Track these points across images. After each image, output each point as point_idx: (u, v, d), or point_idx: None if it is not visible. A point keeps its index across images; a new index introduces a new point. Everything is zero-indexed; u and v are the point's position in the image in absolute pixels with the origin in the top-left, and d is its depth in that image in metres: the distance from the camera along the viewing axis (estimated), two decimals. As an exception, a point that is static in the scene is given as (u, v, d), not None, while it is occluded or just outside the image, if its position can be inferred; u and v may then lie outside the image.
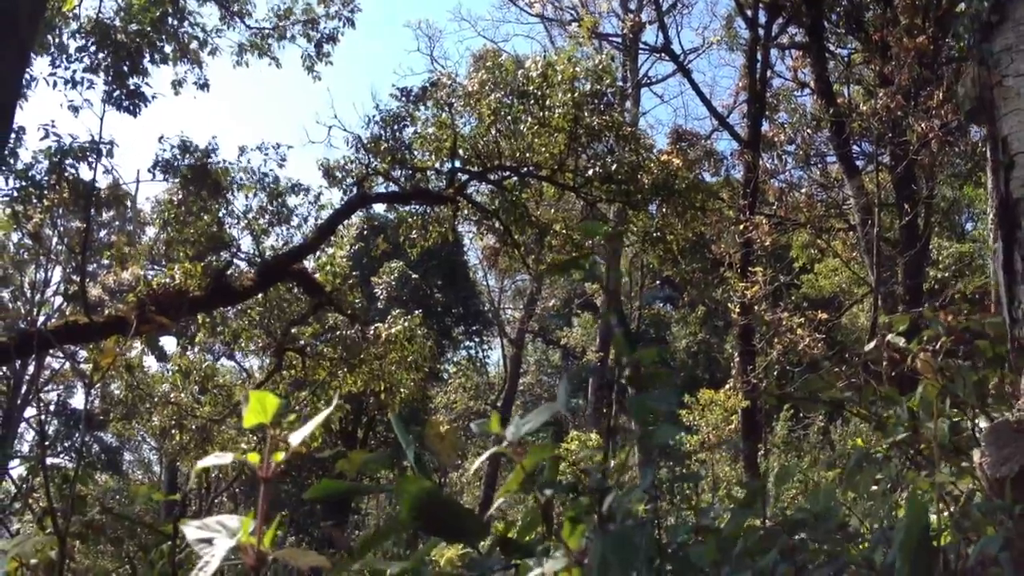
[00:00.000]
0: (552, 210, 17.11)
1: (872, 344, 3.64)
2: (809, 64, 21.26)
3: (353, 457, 2.78)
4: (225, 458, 1.88)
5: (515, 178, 16.08)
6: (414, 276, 25.97)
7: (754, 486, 2.32)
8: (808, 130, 23.19)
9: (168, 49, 14.12)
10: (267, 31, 15.48)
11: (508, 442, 1.88)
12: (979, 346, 3.33)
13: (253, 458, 1.80)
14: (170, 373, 16.70)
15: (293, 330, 15.42)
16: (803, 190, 23.79)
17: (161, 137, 14.01)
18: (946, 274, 22.12)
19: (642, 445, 2.30)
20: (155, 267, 17.08)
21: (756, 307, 17.63)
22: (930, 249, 21.44)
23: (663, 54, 26.97)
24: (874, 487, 3.31)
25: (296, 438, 1.82)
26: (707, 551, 2.18)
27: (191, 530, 1.77)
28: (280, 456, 1.82)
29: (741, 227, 19.05)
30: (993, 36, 3.40)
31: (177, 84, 14.88)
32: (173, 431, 16.09)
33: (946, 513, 3.24)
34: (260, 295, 14.67)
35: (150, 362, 17.34)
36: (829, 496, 2.90)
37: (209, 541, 1.73)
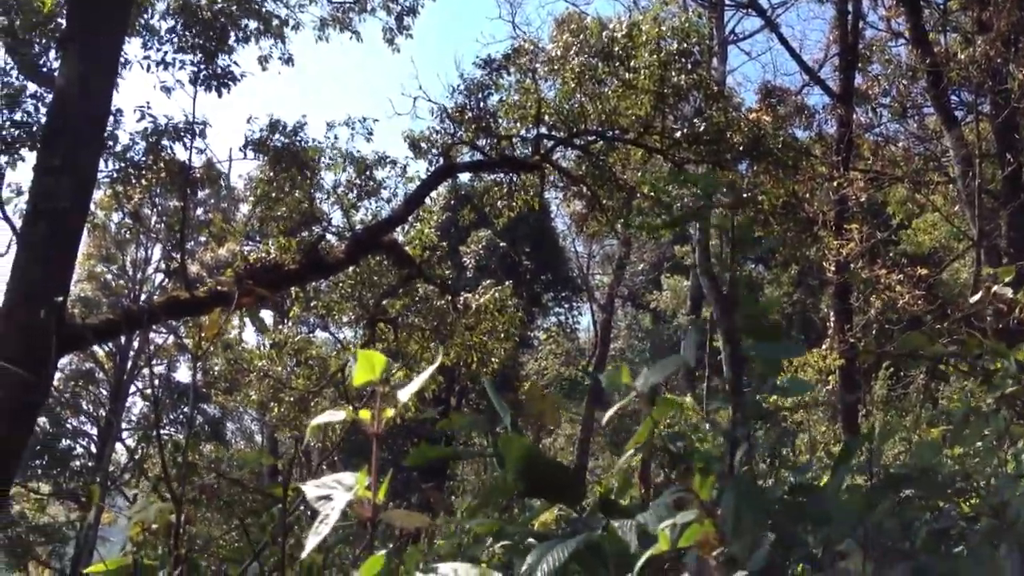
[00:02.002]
0: (639, 173, 16.92)
1: (977, 296, 3.53)
2: (903, 13, 20.50)
3: (454, 418, 2.83)
4: (338, 415, 1.94)
5: (601, 142, 15.96)
6: (502, 244, 26.08)
7: (852, 443, 2.29)
8: (903, 81, 22.41)
9: (252, 26, 14.38)
10: (348, 4, 15.63)
11: (637, 393, 1.88)
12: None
13: (365, 414, 1.86)
14: (266, 348, 17.14)
15: (384, 302, 15.64)
16: (899, 143, 23.09)
17: (250, 118, 14.31)
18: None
19: (737, 405, 2.28)
20: (250, 243, 17.53)
21: (852, 265, 17.23)
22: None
23: (750, 9, 26.40)
24: (979, 443, 3.23)
25: (405, 394, 1.86)
26: (852, 501, 2.14)
27: (311, 488, 1.84)
28: (390, 412, 1.86)
29: (835, 184, 18.60)
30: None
31: (263, 60, 15.14)
32: (271, 404, 16.53)
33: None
34: (351, 268, 14.91)
35: (247, 336, 17.85)
36: (934, 451, 2.83)
37: (328, 498, 1.80)
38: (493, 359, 16.06)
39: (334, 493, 1.79)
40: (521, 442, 2.17)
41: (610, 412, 2.00)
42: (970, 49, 17.21)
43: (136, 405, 35.01)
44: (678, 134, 15.39)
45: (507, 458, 2.12)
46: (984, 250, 15.34)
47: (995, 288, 3.37)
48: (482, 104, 15.32)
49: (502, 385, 24.03)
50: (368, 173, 15.26)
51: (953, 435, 3.03)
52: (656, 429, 2.08)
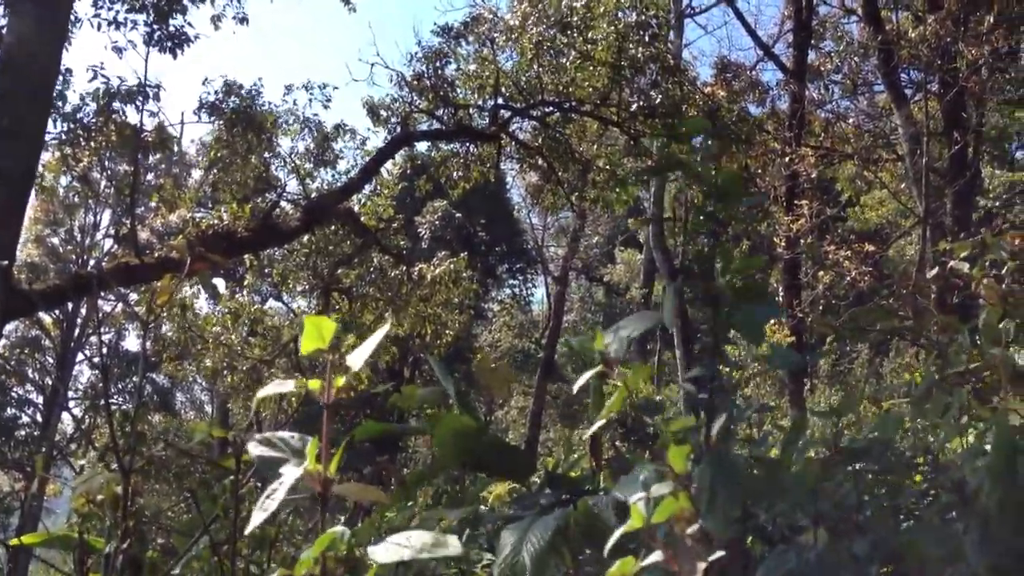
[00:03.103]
0: (595, 146, 16.94)
1: (934, 271, 3.60)
2: (857, -10, 20.71)
3: (407, 392, 2.80)
4: (287, 385, 1.89)
5: (558, 114, 15.94)
6: (457, 215, 26.01)
7: (803, 417, 2.33)
8: (855, 58, 22.63)
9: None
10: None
11: (610, 359, 1.87)
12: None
13: (314, 384, 1.81)
14: (220, 315, 16.95)
15: (339, 271, 15.54)
16: (850, 120, 23.33)
17: (206, 80, 14.05)
18: (995, 203, 21.68)
19: (689, 377, 2.31)
20: (202, 209, 17.27)
21: (802, 240, 17.45)
22: (980, 178, 21.00)
23: (707, -18, 26.41)
24: (940, 418, 3.30)
25: (355, 360, 1.80)
26: (807, 474, 2.17)
27: (256, 447, 1.78)
28: (341, 381, 1.81)
29: (787, 159, 18.77)
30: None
31: (216, 19, 14.83)
32: (224, 372, 16.37)
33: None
34: (306, 236, 14.78)
35: (200, 304, 17.63)
36: (895, 425, 2.89)
37: (275, 463, 1.74)
38: (447, 331, 16.07)
39: (284, 464, 1.73)
40: (458, 419, 2.16)
41: (583, 379, 1.99)
42: (921, 28, 17.39)
43: (83, 374, 34.49)
44: (634, 107, 15.42)
45: (438, 434, 2.10)
46: (930, 227, 15.61)
47: (952, 263, 3.45)
48: (440, 73, 15.22)
49: (456, 357, 24.06)
50: (326, 143, 15.10)
51: (914, 408, 3.10)
52: (628, 400, 2.09)
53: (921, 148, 15.93)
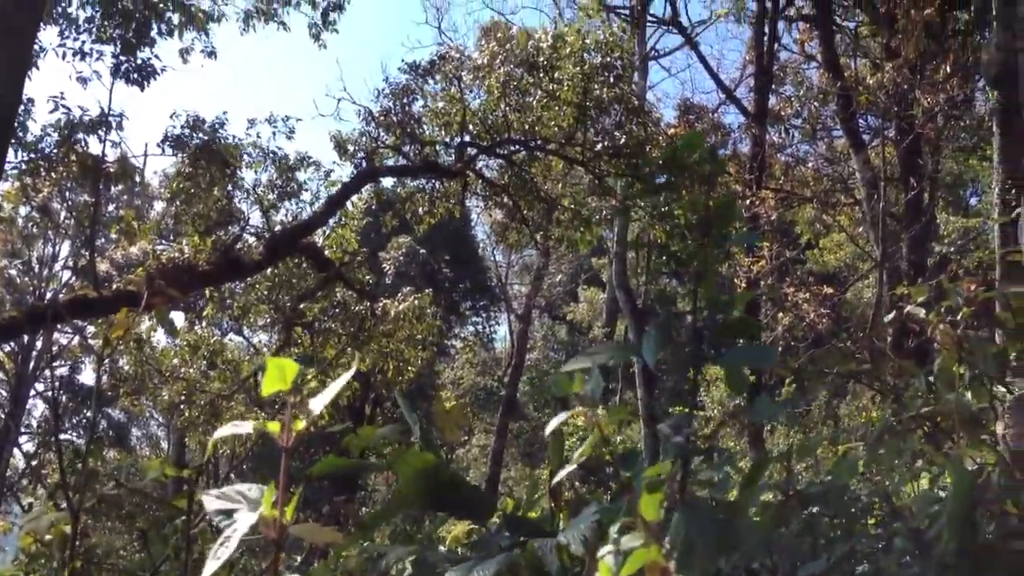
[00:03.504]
0: (560, 185, 17.05)
1: (891, 315, 3.66)
2: (816, 37, 21.11)
3: (362, 432, 2.77)
4: (245, 427, 1.85)
5: (524, 152, 16.04)
6: (422, 251, 25.98)
7: (763, 460, 2.33)
8: (815, 103, 23.07)
9: (175, 19, 14.06)
10: (273, -3, 15.39)
11: (585, 401, 1.85)
12: (1000, 317, 3.34)
13: (273, 427, 1.77)
14: (179, 348, 16.73)
15: (301, 305, 15.43)
16: (809, 164, 23.72)
17: (173, 113, 13.99)
18: (950, 249, 22.06)
19: (649, 420, 2.31)
20: (163, 242, 17.09)
21: (762, 282, 17.63)
22: (935, 224, 21.38)
23: (671, 26, 26.81)
24: (895, 462, 3.33)
25: (317, 404, 1.78)
26: (764, 520, 2.16)
27: (211, 500, 1.74)
28: (301, 424, 1.78)
29: (747, 201, 19.01)
30: (1018, 1, 3.40)
31: (184, 52, 14.81)
32: (182, 406, 16.13)
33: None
34: (269, 270, 14.67)
35: (159, 337, 17.39)
36: (851, 470, 2.91)
37: (229, 512, 1.71)
38: (410, 367, 15.98)
39: (238, 512, 1.70)
40: (420, 457, 2.14)
41: (556, 420, 1.97)
42: (878, 75, 17.75)
43: (37, 408, 33.81)
44: (599, 147, 15.56)
45: (400, 473, 2.08)
46: (886, 271, 15.85)
47: (909, 308, 3.50)
48: (407, 109, 15.27)
49: (418, 394, 23.93)
50: (290, 174, 15.05)
51: (869, 452, 3.12)
52: (602, 441, 2.08)
53: (878, 193, 16.20)
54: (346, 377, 1.96)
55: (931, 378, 3.43)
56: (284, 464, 1.78)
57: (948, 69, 15.86)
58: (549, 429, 2.00)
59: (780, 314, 17.85)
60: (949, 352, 3.35)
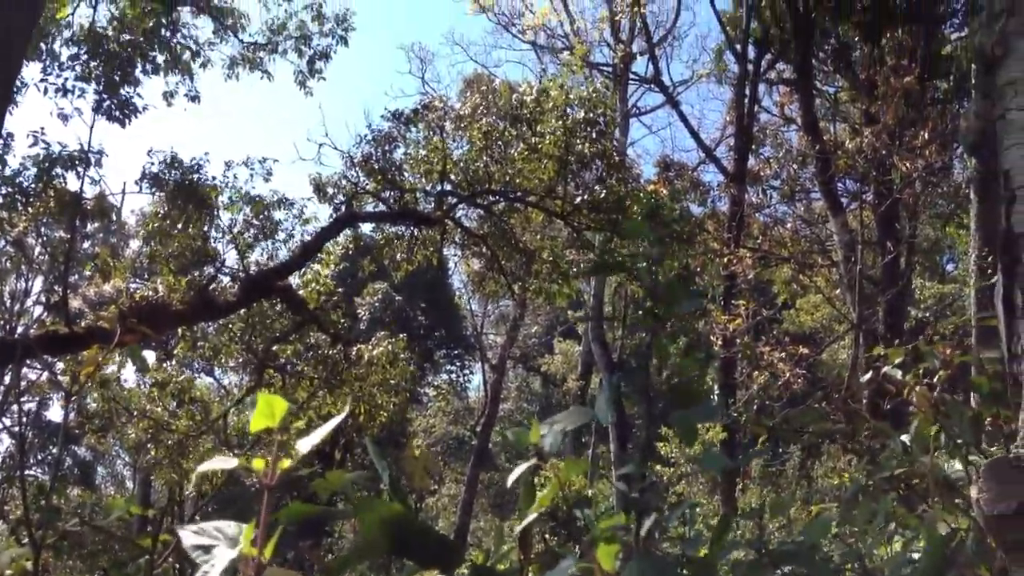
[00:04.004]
0: (539, 236, 17.10)
1: (868, 376, 3.64)
2: (796, 100, 21.45)
3: (331, 477, 2.72)
4: (230, 462, 1.83)
5: (504, 203, 16.09)
6: (398, 298, 25.91)
7: (730, 516, 2.29)
8: (794, 166, 23.37)
9: (160, 60, 14.11)
10: (259, 45, 15.50)
11: (544, 453, 1.82)
12: (975, 382, 3.33)
13: (258, 464, 1.75)
14: (147, 386, 16.51)
15: (274, 347, 15.29)
16: (787, 225, 23.95)
17: (150, 151, 13.93)
18: (926, 314, 22.26)
19: (621, 475, 2.27)
20: (138, 280, 16.96)
21: (738, 340, 17.67)
22: (911, 288, 21.57)
23: (652, 85, 27.22)
24: (868, 523, 3.29)
25: (305, 445, 1.76)
26: None
27: (188, 535, 1.71)
28: (287, 463, 1.76)
29: (725, 260, 19.12)
30: (997, 70, 3.44)
31: (168, 95, 14.85)
32: (148, 445, 15.88)
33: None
34: (242, 311, 14.55)
35: (127, 375, 17.18)
36: (823, 529, 2.88)
37: (207, 548, 1.67)
38: (382, 412, 15.83)
39: (216, 548, 1.67)
40: (385, 505, 2.09)
41: (516, 472, 1.94)
42: (857, 139, 17.98)
43: (2, 443, 33.22)
44: (579, 200, 15.64)
45: (366, 520, 2.03)
46: (862, 334, 15.93)
47: (886, 369, 3.49)
48: (388, 156, 15.31)
49: (389, 441, 23.70)
50: (266, 214, 14.99)
51: (843, 513, 3.09)
52: (560, 493, 2.04)
53: (855, 256, 16.33)
54: (336, 421, 1.95)
55: (907, 440, 3.41)
56: (266, 501, 1.75)
57: (926, 136, 16.10)
58: (511, 480, 1.96)
59: (756, 372, 17.86)
60: (925, 415, 3.34)
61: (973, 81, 3.54)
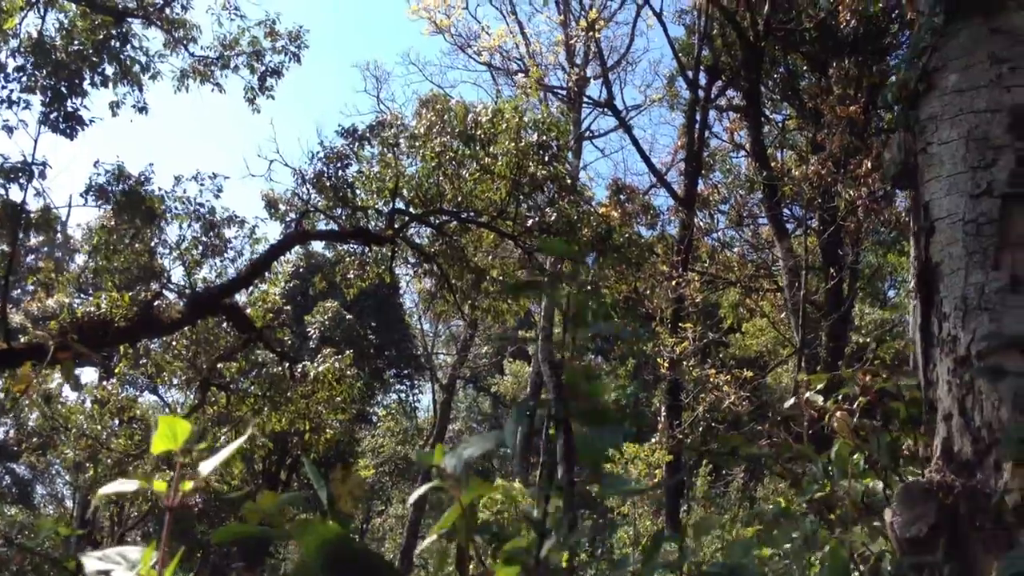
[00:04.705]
0: (490, 257, 17.16)
1: (791, 401, 3.73)
2: (745, 127, 21.82)
3: (262, 499, 2.70)
4: (130, 485, 1.82)
5: (455, 222, 16.12)
6: (348, 316, 25.76)
7: (660, 536, 2.33)
8: (742, 191, 23.73)
9: (109, 71, 13.94)
10: (211, 59, 15.38)
11: (447, 475, 1.84)
12: (893, 407, 3.42)
13: (160, 486, 1.74)
14: (88, 404, 16.23)
15: (219, 365, 15.13)
16: (735, 249, 24.27)
17: (96, 162, 13.75)
18: (867, 339, 22.62)
19: (567, 496, 2.30)
20: (82, 295, 16.70)
21: (684, 363, 17.84)
22: (853, 314, 21.94)
23: (606, 109, 27.47)
24: (788, 544, 3.36)
25: (206, 467, 1.76)
26: None
27: (91, 561, 1.70)
28: (189, 485, 1.76)
29: (674, 283, 19.32)
30: (920, 104, 3.55)
31: (115, 106, 14.66)
32: (87, 464, 15.60)
33: (856, 574, 3.31)
34: (187, 328, 14.39)
35: (68, 393, 16.86)
36: (745, 551, 2.93)
37: (107, 572, 1.66)
38: (327, 430, 15.71)
39: (114, 572, 1.67)
40: (324, 527, 2.09)
41: (416, 492, 1.95)
42: (804, 166, 18.30)
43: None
44: (530, 222, 15.71)
45: (303, 543, 2.03)
46: (805, 357, 16.18)
47: (807, 395, 3.57)
48: (340, 173, 15.26)
49: (336, 461, 23.46)
50: (215, 231, 14.86)
51: (764, 536, 3.15)
52: (467, 515, 2.06)
53: (799, 281, 16.59)
54: (238, 443, 1.95)
55: (828, 464, 3.49)
56: (167, 523, 1.75)
57: (870, 165, 16.43)
58: (410, 501, 1.99)
59: (702, 395, 18.04)
60: (845, 439, 3.42)
61: (896, 114, 3.66)
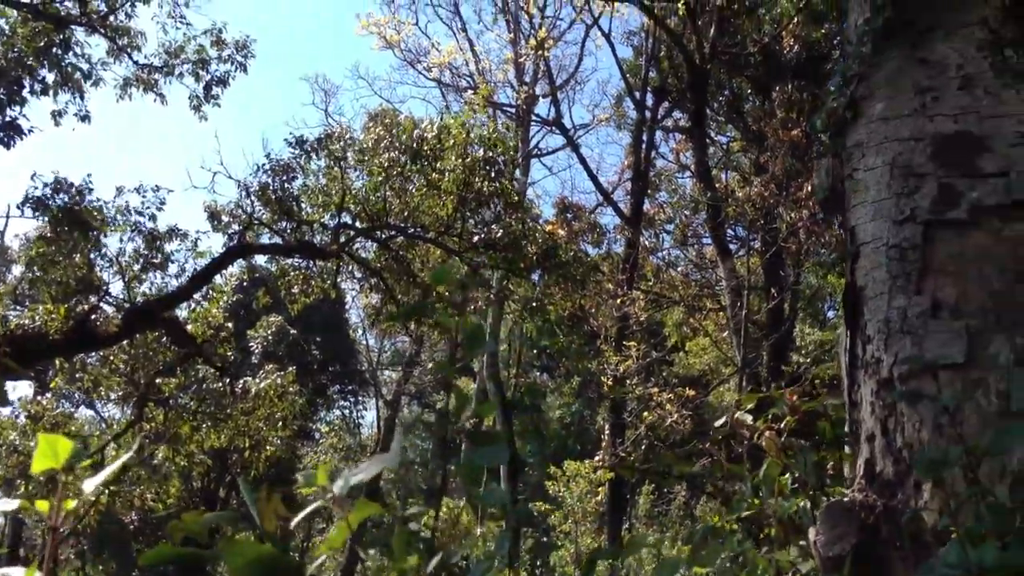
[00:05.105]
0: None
1: (721, 420, 3.78)
2: (690, 148, 22.07)
3: (186, 519, 2.66)
4: (9, 504, 1.77)
5: (402, 238, 16.07)
6: (292, 332, 25.51)
7: (596, 554, 2.35)
8: (686, 211, 23.99)
9: (50, 79, 13.71)
10: (155, 67, 15.20)
11: (333, 496, 1.84)
12: (819, 427, 3.49)
13: (42, 506, 1.70)
14: (21, 419, 15.85)
15: (158, 380, 14.87)
16: (679, 268, 24.50)
17: (34, 174, 13.47)
18: (808, 359, 22.94)
19: (508, 514, 2.30)
20: (18, 307, 16.33)
21: (628, 381, 17.94)
22: (794, 334, 22.26)
23: (554, 127, 27.63)
24: (717, 563, 3.39)
25: (89, 485, 1.72)
26: None
27: None
28: (71, 504, 1.71)
29: (619, 301, 19.43)
30: (847, 131, 3.64)
31: (57, 115, 14.41)
32: (18, 481, 15.22)
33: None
34: (126, 342, 14.13)
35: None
36: (673, 569, 2.96)
37: None
38: (268, 447, 15.52)
39: None
40: (251, 546, 2.07)
41: (299, 517, 1.95)
42: (747, 188, 18.54)
43: None
44: (476, 238, 15.72)
45: (231, 563, 2.01)
46: (746, 376, 16.35)
47: (737, 414, 3.62)
48: (286, 186, 15.12)
49: (277, 479, 23.17)
50: (157, 245, 14.63)
51: (693, 554, 3.18)
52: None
53: (741, 301, 16.78)
54: (123, 460, 1.92)
55: (757, 483, 3.54)
56: (51, 544, 1.71)
57: (811, 187, 16.69)
58: (294, 523, 1.97)
59: (645, 413, 18.14)
60: (773, 458, 3.48)
61: (824, 140, 3.74)
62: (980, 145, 3.22)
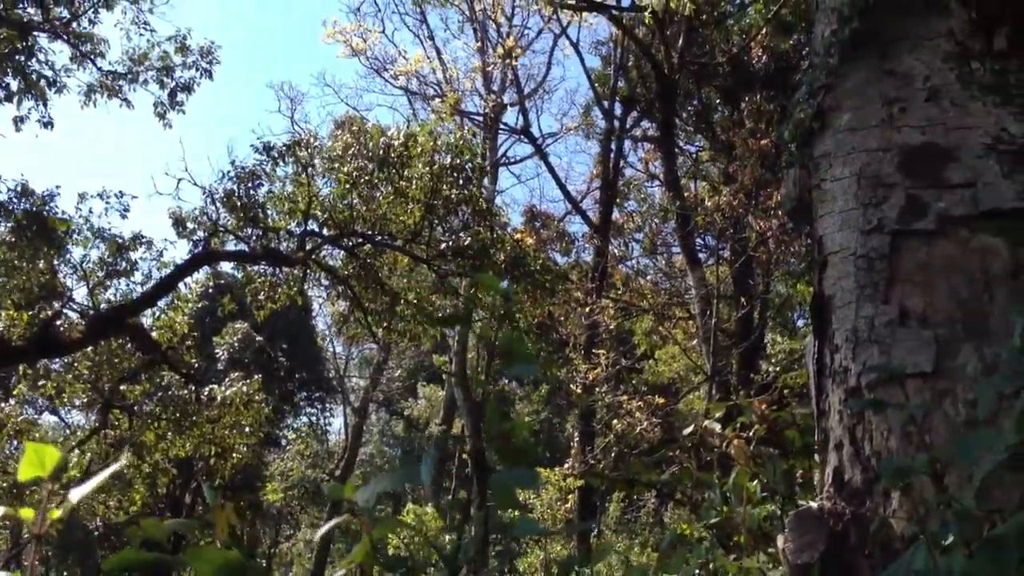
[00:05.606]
0: (404, 280, 17.05)
1: (689, 429, 3.78)
2: (659, 157, 22.18)
3: (146, 525, 2.62)
4: None
5: (369, 245, 16.00)
6: (259, 338, 25.31)
7: (569, 563, 2.34)
8: (655, 220, 24.09)
9: (14, 85, 13.55)
10: (119, 74, 15.05)
11: (357, 510, 1.81)
12: (788, 435, 3.50)
13: (27, 514, 1.67)
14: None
15: (122, 387, 14.69)
16: (648, 277, 24.60)
17: (-1, 179, 13.30)
18: (777, 368, 23.08)
19: (478, 521, 2.29)
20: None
21: (597, 389, 17.97)
22: (764, 343, 22.40)
23: (522, 136, 27.66)
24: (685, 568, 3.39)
25: (76, 494, 1.70)
26: None
27: None
28: (57, 513, 1.69)
29: (588, 309, 19.47)
30: (814, 142, 3.66)
31: (19, 121, 14.23)
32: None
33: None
34: (90, 348, 13.95)
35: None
36: (642, 574, 2.96)
37: None
38: (234, 454, 15.37)
39: None
40: (217, 552, 2.04)
41: (323, 529, 1.91)
42: (716, 197, 18.65)
43: None
44: (444, 246, 15.69)
45: (197, 570, 1.99)
46: (716, 385, 16.42)
47: (706, 423, 3.63)
48: (252, 193, 15.01)
49: (244, 485, 22.99)
50: (122, 252, 14.46)
51: (660, 561, 3.18)
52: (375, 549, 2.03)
53: (711, 309, 16.87)
54: (111, 470, 1.89)
55: (727, 491, 3.55)
56: (33, 553, 1.69)
57: (780, 196, 16.79)
58: (318, 535, 1.95)
59: (615, 421, 18.17)
60: (743, 466, 3.49)
61: (792, 150, 3.76)
62: (947, 156, 3.25)
